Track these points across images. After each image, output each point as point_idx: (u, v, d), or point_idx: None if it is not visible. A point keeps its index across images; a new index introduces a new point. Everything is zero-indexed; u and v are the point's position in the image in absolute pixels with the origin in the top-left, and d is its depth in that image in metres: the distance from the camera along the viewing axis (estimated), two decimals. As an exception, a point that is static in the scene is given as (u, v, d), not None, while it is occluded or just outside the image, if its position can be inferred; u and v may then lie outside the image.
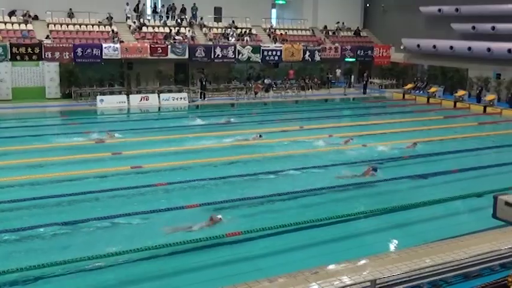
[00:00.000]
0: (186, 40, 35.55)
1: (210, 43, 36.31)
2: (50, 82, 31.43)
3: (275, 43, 38.80)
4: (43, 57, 30.69)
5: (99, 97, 30.37)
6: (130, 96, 31.57)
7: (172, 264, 10.34)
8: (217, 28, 39.23)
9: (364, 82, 38.64)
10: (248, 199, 13.88)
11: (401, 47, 41.06)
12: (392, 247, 11.68)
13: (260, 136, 21.90)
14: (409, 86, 38.46)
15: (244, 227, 11.82)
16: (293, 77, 38.97)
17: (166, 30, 36.47)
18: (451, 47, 36.75)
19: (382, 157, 19.28)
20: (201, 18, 38.85)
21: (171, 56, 34.09)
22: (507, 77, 34.01)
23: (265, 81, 36.77)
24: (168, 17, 38.21)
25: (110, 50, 32.21)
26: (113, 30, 34.41)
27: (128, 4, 36.34)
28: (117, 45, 32.45)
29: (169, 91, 33.78)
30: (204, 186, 15.17)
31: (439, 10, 37.99)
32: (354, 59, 41.73)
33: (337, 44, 41.21)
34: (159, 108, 31.19)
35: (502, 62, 34.12)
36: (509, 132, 25.16)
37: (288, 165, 17.58)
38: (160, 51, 33.74)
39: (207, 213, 12.57)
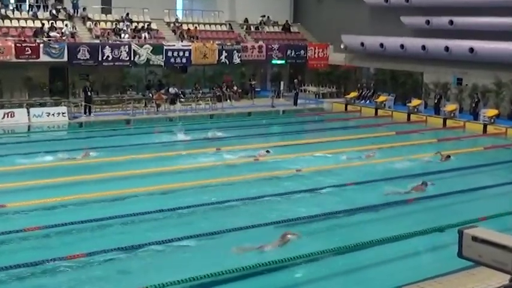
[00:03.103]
0: (64, 38, 34.87)
1: (97, 41, 35.80)
2: None
3: (182, 41, 38.80)
4: None
5: None
6: (-12, 112, 30.60)
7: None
8: (105, 22, 38.79)
9: (296, 91, 39.24)
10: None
11: (342, 46, 42.14)
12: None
13: (268, 152, 23.86)
14: (353, 94, 39.48)
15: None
16: (256, 82, 39.75)
17: (38, 24, 35.66)
18: (402, 46, 38.11)
19: (320, 185, 19.56)
20: (84, 9, 38.30)
21: (44, 58, 33.37)
22: (470, 82, 35.58)
23: (170, 90, 36.62)
24: (39, 8, 37.39)
25: (-40, 50, 31.10)
26: (-37, 25, 33.32)
27: (-17, -10, 35.39)
28: (-30, 45, 31.41)
29: (43, 105, 32.98)
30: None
31: (386, 0, 39.37)
32: (283, 61, 42.40)
33: (261, 42, 41.75)
34: (29, 128, 30.35)
35: (463, 64, 35.68)
36: (474, 150, 26.24)
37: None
38: (30, 52, 32.92)
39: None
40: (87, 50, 34.53)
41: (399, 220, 16.51)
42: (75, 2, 38.20)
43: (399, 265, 13.63)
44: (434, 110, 35.21)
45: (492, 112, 32.03)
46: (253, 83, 40.46)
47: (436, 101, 35.50)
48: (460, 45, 35.06)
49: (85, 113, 33.08)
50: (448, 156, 23.79)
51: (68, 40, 34.90)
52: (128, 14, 39.10)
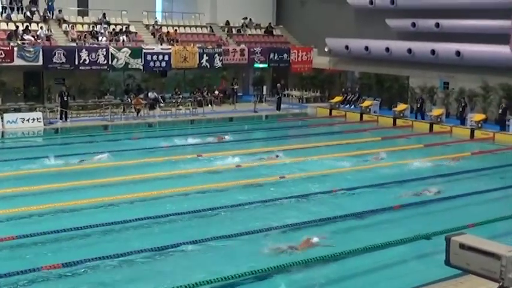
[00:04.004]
0: (39, 41, 34.70)
1: (73, 44, 35.68)
2: None
3: (162, 44, 38.76)
4: None
5: None
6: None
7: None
8: (82, 24, 38.66)
9: (279, 95, 39.32)
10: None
11: (326, 49, 42.30)
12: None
13: (277, 156, 24.53)
14: (337, 99, 39.60)
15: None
16: (225, 88, 39.91)
17: (11, 27, 35.46)
18: (388, 49, 38.33)
19: (304, 192, 19.62)
20: (60, 11, 38.14)
21: (18, 62, 33.22)
22: (456, 86, 35.85)
23: (150, 95, 36.54)
24: (13, 10, 37.18)
25: None
26: None
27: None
28: None
29: (17, 110, 32.78)
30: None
31: (371, 2, 39.58)
32: (265, 65, 42.49)
33: (243, 46, 41.82)
34: (2, 134, 30.15)
35: (450, 68, 35.97)
36: (462, 156, 26.39)
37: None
38: (3, 55, 32.77)
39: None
40: (63, 54, 34.38)
41: (386, 227, 16.56)
42: (50, 3, 38.03)
43: (385, 273, 13.68)
44: (415, 114, 35.45)
45: (479, 117, 32.26)
46: (235, 87, 40.47)
47: (418, 105, 35.78)
48: (447, 48, 35.33)
49: (61, 118, 32.87)
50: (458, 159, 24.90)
51: (43, 43, 34.73)
52: (104, 16, 38.98)
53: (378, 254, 14.33)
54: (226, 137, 29.15)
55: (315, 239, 14.78)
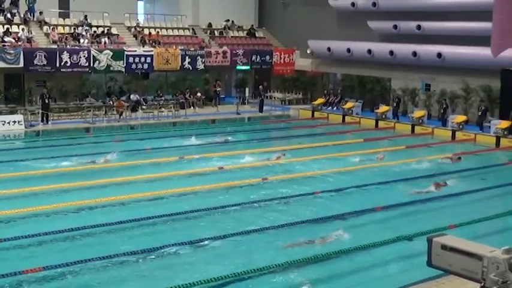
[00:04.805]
0: (20, 43, 34.48)
1: (54, 46, 35.48)
2: None
3: (144, 46, 38.66)
4: None
5: None
6: None
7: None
8: (63, 26, 38.47)
9: (261, 97, 39.34)
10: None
11: (308, 51, 42.38)
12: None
13: (284, 155, 25.17)
14: (320, 100, 39.69)
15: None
16: (220, 88, 40.20)
17: (-8, 29, 35.26)
18: (370, 51, 38.47)
19: (286, 194, 19.67)
20: (41, 13, 37.93)
21: (-2, 64, 33.01)
22: (438, 88, 36.05)
23: (132, 97, 36.43)
24: (-7, 11, 36.97)
25: None
26: None
27: None
28: None
29: (-2, 113, 32.59)
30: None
31: (353, 4, 39.72)
32: (248, 67, 42.50)
33: (225, 48, 41.80)
34: (-17, 137, 29.92)
35: (431, 70, 36.17)
36: (443, 157, 26.48)
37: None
38: (-16, 57, 32.55)
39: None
40: (44, 56, 34.18)
41: (368, 229, 16.62)
42: (31, 5, 37.80)
43: (366, 275, 13.74)
44: (393, 114, 35.63)
45: (461, 118, 32.46)
46: (217, 89, 40.43)
47: (395, 105, 36.00)
48: (428, 50, 35.51)
49: (42, 121, 32.67)
50: (459, 158, 25.45)
51: (24, 45, 34.50)
52: (86, 18, 38.79)
53: (360, 256, 14.39)
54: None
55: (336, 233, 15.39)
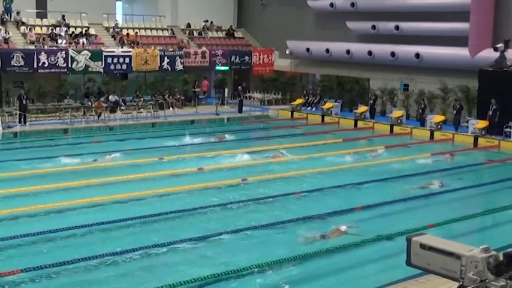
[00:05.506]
0: (-4, 43, 34.30)
1: (32, 47, 35.30)
2: None
3: (122, 47, 38.52)
4: None
5: None
6: None
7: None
8: (41, 27, 38.25)
9: (240, 98, 39.34)
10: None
11: (287, 52, 42.46)
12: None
13: (282, 153, 25.57)
14: (299, 101, 39.76)
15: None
16: (207, 90, 40.13)
17: (-32, 29, 34.98)
18: (348, 51, 38.63)
19: (265, 194, 19.69)
20: (18, 13, 37.66)
21: (-25, 65, 32.76)
22: (416, 88, 36.28)
23: (110, 98, 36.27)
24: (-31, 12, 36.68)
25: None
26: None
27: None
28: None
29: (-26, 114, 32.30)
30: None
31: (332, 5, 39.88)
32: (227, 68, 42.51)
33: (204, 48, 41.78)
34: (-40, 139, 29.68)
35: (409, 70, 36.40)
36: (422, 156, 26.67)
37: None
38: (-40, 58, 32.32)
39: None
40: (22, 57, 33.96)
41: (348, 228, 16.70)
42: (8, 5, 37.56)
43: (345, 275, 13.80)
44: (370, 112, 35.82)
45: (439, 118, 32.66)
46: (196, 90, 40.36)
47: (371, 102, 36.19)
48: (406, 50, 35.74)
49: (20, 122, 32.44)
50: (452, 155, 26.20)
51: (1, 46, 34.32)
52: (64, 18, 38.58)
53: (339, 256, 14.44)
54: (226, 136, 30.45)
55: (344, 227, 15.93)
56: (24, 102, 32.72)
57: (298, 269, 13.76)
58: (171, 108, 38.08)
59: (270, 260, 13.72)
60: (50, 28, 38.07)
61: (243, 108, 39.22)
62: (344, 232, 15.76)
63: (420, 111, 34.38)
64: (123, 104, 36.54)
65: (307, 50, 41.15)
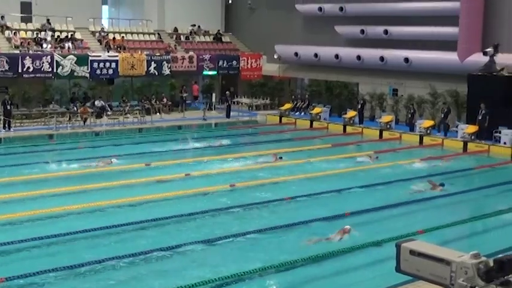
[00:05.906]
0: (-20, 48, 34.14)
1: (17, 52, 35.16)
2: None
3: (108, 52, 38.43)
4: None
5: None
6: None
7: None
8: (26, 31, 38.11)
9: (228, 103, 39.30)
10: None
11: (275, 56, 42.52)
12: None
13: (281, 158, 25.74)
14: (287, 106, 39.78)
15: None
16: (197, 94, 40.40)
17: (-48, 33, 34.82)
18: (337, 56, 38.73)
19: (254, 200, 19.65)
20: (2, 18, 37.52)
21: (-41, 70, 32.62)
22: (405, 93, 36.40)
23: (96, 103, 36.16)
24: (-47, 16, 36.51)
25: None
26: None
27: None
28: None
29: (-43, 120, 32.12)
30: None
31: (320, 9, 39.99)
32: (214, 72, 42.48)
33: (192, 53, 41.76)
34: None
35: (399, 75, 36.53)
36: (411, 162, 26.76)
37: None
38: None
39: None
40: (6, 61, 33.86)
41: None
42: (-8, 10, 37.43)
43: (335, 281, 13.78)
44: (358, 118, 35.93)
45: (428, 123, 32.75)
46: (184, 95, 40.31)
47: (360, 107, 36.30)
48: (395, 55, 35.88)
49: (4, 127, 32.30)
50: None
51: (-15, 50, 34.18)
52: (49, 22, 38.46)
53: (328, 262, 14.41)
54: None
55: (347, 228, 16.07)
56: (8, 107, 32.58)
57: (285, 276, 13.69)
58: (158, 114, 38.01)
59: (261, 266, 13.70)
60: (35, 32, 37.94)
61: (231, 114, 39.17)
62: (347, 232, 15.88)
63: (409, 116, 34.48)
64: (109, 109, 36.41)
65: (296, 54, 41.22)
